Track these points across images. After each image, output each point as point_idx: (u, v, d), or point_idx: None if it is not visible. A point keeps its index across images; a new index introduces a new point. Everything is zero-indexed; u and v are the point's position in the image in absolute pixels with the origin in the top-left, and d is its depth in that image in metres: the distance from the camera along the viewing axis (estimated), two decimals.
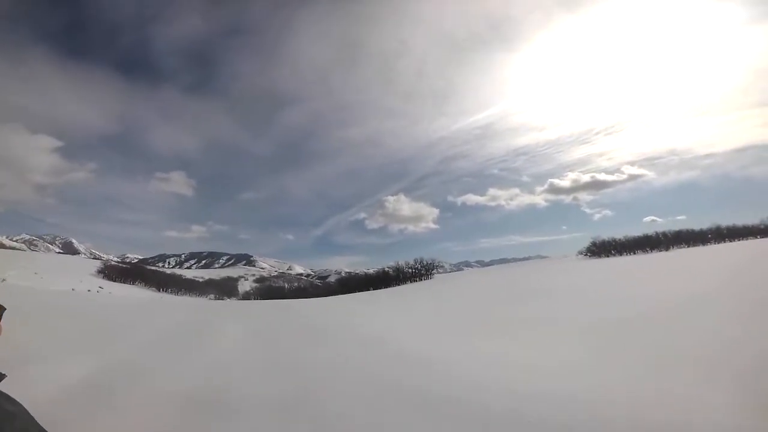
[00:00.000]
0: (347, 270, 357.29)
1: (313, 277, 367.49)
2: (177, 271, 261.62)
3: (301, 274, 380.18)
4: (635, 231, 78.09)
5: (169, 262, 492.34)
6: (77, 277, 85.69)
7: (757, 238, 66.08)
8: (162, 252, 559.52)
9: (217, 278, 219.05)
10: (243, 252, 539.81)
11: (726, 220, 76.81)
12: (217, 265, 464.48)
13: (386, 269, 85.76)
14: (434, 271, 78.88)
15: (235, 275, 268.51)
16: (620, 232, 78.73)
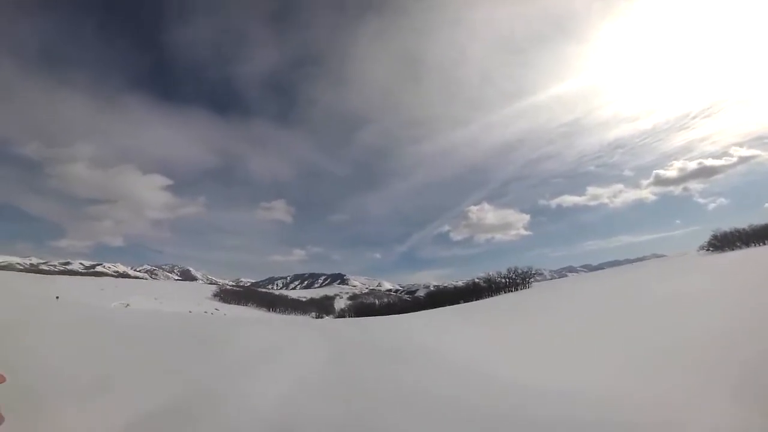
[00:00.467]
0: (435, 284, 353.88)
1: (402, 292, 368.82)
2: (284, 292, 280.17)
3: (390, 290, 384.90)
4: (757, 219, 65.12)
5: (276, 284, 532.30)
6: (195, 300, 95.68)
7: None
8: (270, 275, 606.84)
9: (317, 297, 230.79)
10: (337, 272, 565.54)
11: None
12: (316, 285, 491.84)
13: (476, 280, 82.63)
14: (531, 279, 74.05)
15: (331, 293, 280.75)
16: (741, 221, 66.41)
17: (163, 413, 5.50)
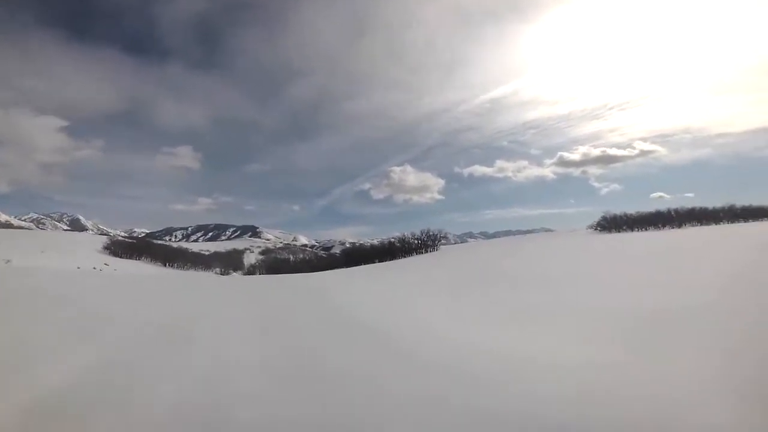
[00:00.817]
0: (351, 240, 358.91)
1: (318, 248, 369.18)
2: (184, 244, 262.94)
3: (305, 245, 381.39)
4: (642, 206, 77.29)
5: (175, 236, 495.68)
6: (84, 254, 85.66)
7: None
8: (169, 225, 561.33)
9: (223, 251, 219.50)
10: (249, 224, 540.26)
11: (736, 201, 73.61)
12: (223, 237, 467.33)
13: (391, 240, 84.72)
14: (439, 242, 77.62)
15: (240, 247, 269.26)
16: (627, 207, 77.55)
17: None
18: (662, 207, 78.06)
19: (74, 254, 79.85)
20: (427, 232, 77.02)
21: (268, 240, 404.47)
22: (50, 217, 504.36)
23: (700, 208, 74.20)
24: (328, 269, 77.34)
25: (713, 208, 73.73)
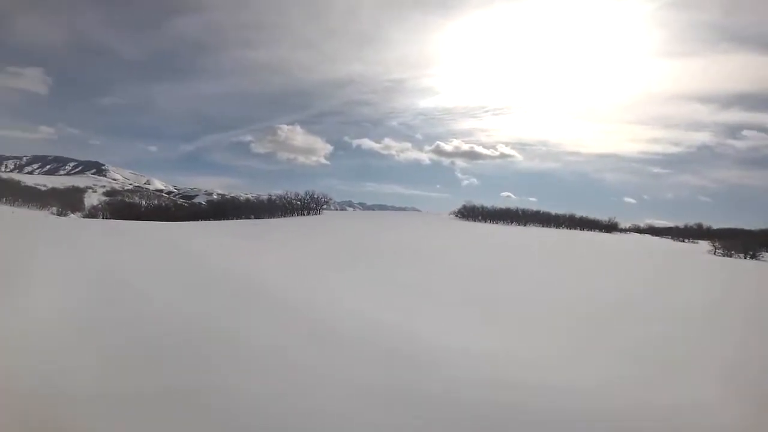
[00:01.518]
0: (220, 191, 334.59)
1: (177, 195, 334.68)
2: (15, 176, 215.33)
3: (161, 191, 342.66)
4: (493, 201, 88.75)
5: (6, 165, 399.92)
6: None
7: (602, 231, 77.98)
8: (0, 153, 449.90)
9: (62, 187, 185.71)
10: (94, 159, 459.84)
11: (574, 211, 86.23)
12: (62, 172, 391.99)
13: (272, 197, 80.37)
14: (322, 207, 75.93)
15: (82, 185, 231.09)
16: (480, 199, 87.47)
17: None
18: (509, 205, 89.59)
19: None
20: (312, 194, 74.20)
21: (115, 180, 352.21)
22: None
23: (545, 211, 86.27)
24: (189, 220, 70.38)
25: (556, 213, 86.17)
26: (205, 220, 67.87)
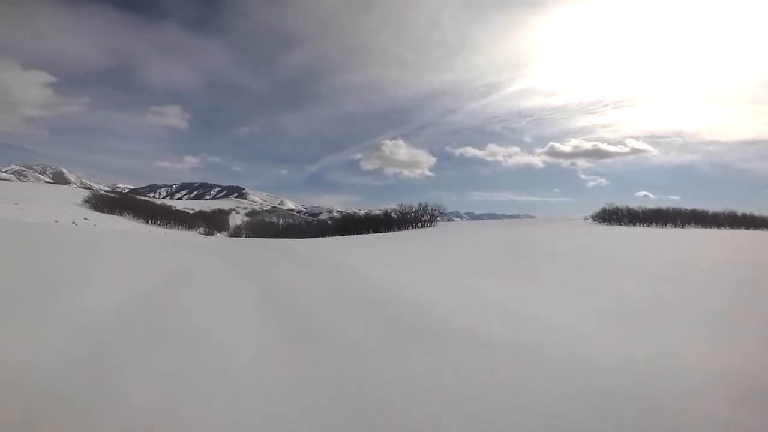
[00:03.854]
0: (339, 209, 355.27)
1: (305, 213, 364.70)
2: (167, 201, 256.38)
3: (292, 210, 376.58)
4: (627, 203, 75.79)
5: (159, 193, 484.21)
6: (63, 207, 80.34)
7: None
8: (153, 182, 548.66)
9: (208, 210, 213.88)
10: (235, 184, 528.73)
11: (719, 208, 71.03)
12: (208, 197, 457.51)
13: (389, 211, 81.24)
14: (437, 218, 73.99)
15: (226, 208, 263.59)
16: (612, 201, 75.21)
17: None
18: (647, 205, 76.14)
19: (52, 207, 74.65)
20: (425, 206, 73.85)
21: (254, 202, 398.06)
22: (32, 169, 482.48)
23: (702, 210, 71.82)
24: (318, 236, 74.05)
25: (714, 212, 71.41)
26: (332, 236, 70.66)
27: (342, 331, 6.33)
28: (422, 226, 70.04)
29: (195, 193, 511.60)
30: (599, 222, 69.75)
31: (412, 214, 74.59)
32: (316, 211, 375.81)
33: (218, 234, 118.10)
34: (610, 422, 3.65)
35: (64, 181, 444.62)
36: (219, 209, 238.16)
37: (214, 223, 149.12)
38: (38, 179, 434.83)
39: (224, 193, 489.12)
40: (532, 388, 4.30)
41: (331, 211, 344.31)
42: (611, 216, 71.17)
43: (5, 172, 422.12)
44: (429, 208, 73.61)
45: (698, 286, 11.26)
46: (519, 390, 4.27)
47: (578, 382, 4.46)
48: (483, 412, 3.81)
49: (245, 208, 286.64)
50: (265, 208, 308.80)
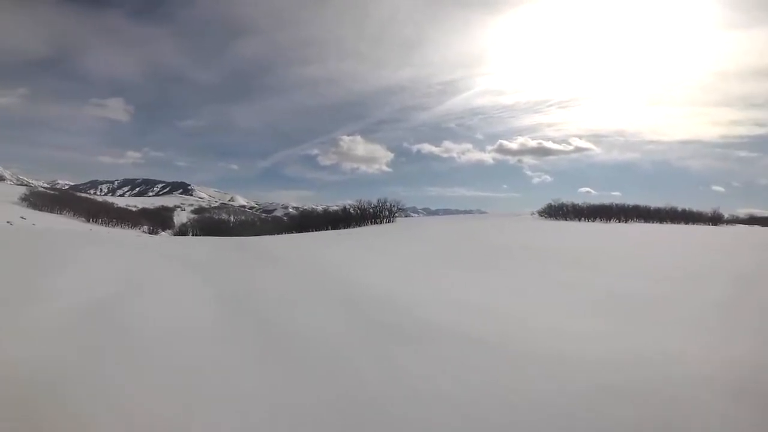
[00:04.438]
0: (295, 205, 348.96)
1: (258, 210, 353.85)
2: (109, 198, 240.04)
3: (244, 206, 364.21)
4: (571, 198, 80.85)
5: (101, 189, 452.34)
6: None
7: (708, 224, 67.00)
8: (94, 178, 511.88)
9: (151, 207, 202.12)
10: (180, 180, 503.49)
11: (658, 204, 76.72)
12: (151, 193, 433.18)
13: (347, 207, 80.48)
14: (395, 213, 74.42)
15: (170, 204, 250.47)
16: (556, 197, 79.24)
17: None
18: (590, 201, 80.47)
19: None
20: (384, 201, 73.63)
21: (201, 198, 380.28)
22: None
23: (645, 206, 76.57)
24: (274, 233, 72.04)
25: (657, 207, 76.52)
26: (288, 232, 68.86)
27: (323, 333, 5.90)
28: (381, 222, 69.92)
29: (138, 189, 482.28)
30: (545, 217, 72.97)
31: (371, 210, 74.21)
32: (270, 208, 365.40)
33: (162, 233, 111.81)
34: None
35: None
36: (163, 206, 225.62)
37: (158, 220, 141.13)
38: None
39: (168, 189, 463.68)
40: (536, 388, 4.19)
41: (286, 207, 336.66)
42: (557, 211, 74.72)
43: None
44: (387, 203, 73.69)
45: (665, 277, 11.82)
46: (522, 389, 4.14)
47: (583, 380, 4.42)
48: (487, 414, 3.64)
49: (191, 205, 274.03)
50: (213, 205, 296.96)
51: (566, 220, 69.12)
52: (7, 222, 50.03)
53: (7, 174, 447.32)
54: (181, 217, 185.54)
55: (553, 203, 75.94)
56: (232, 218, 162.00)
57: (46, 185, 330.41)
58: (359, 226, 66.03)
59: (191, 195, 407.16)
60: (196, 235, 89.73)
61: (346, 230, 55.89)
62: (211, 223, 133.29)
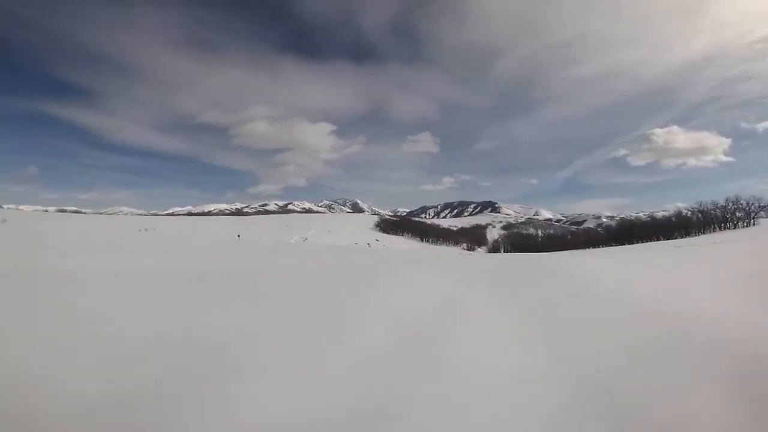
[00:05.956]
0: (608, 214, 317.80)
1: (566, 222, 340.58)
2: (435, 221, 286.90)
3: (549, 219, 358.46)
4: None
5: (428, 213, 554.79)
6: (361, 232, 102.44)
7: None
8: (423, 204, 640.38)
9: (467, 226, 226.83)
10: (487, 199, 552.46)
11: None
12: (466, 213, 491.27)
13: (682, 212, 67.40)
14: (757, 213, 56.54)
15: (482, 222, 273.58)
16: None
17: None
18: None
19: (353, 232, 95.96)
20: (735, 200, 58.05)
21: (507, 215, 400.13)
22: (337, 202, 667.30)
23: None
24: (587, 247, 67.69)
25: None
26: (605, 245, 63.16)
27: None
28: (735, 227, 55.44)
29: (455, 210, 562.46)
30: None
31: (717, 212, 60.46)
32: (579, 219, 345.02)
33: (478, 249, 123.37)
34: None
35: (359, 209, 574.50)
36: (477, 224, 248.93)
37: (474, 238, 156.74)
38: (341, 210, 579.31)
39: (479, 208, 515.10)
40: None
41: (598, 218, 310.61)
42: None
43: (320, 206, 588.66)
44: (741, 201, 58.43)
45: None
46: None
47: None
48: None
49: (500, 222, 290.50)
50: (519, 220, 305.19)
51: None
52: (367, 243, 68.72)
53: (364, 206, 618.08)
54: (492, 234, 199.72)
55: None
56: (539, 233, 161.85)
57: (390, 213, 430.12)
58: (703, 233, 53.95)
59: (499, 212, 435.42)
60: (507, 251, 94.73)
61: (686, 239, 46.46)
62: (519, 238, 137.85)
